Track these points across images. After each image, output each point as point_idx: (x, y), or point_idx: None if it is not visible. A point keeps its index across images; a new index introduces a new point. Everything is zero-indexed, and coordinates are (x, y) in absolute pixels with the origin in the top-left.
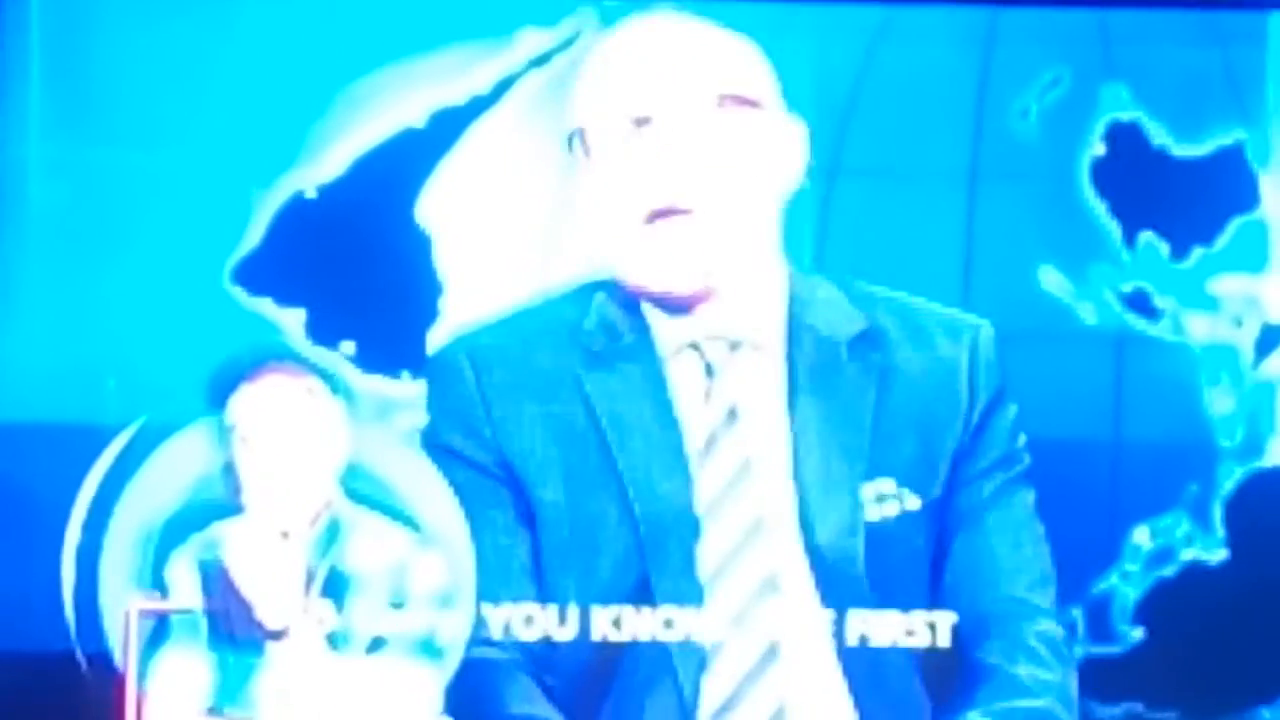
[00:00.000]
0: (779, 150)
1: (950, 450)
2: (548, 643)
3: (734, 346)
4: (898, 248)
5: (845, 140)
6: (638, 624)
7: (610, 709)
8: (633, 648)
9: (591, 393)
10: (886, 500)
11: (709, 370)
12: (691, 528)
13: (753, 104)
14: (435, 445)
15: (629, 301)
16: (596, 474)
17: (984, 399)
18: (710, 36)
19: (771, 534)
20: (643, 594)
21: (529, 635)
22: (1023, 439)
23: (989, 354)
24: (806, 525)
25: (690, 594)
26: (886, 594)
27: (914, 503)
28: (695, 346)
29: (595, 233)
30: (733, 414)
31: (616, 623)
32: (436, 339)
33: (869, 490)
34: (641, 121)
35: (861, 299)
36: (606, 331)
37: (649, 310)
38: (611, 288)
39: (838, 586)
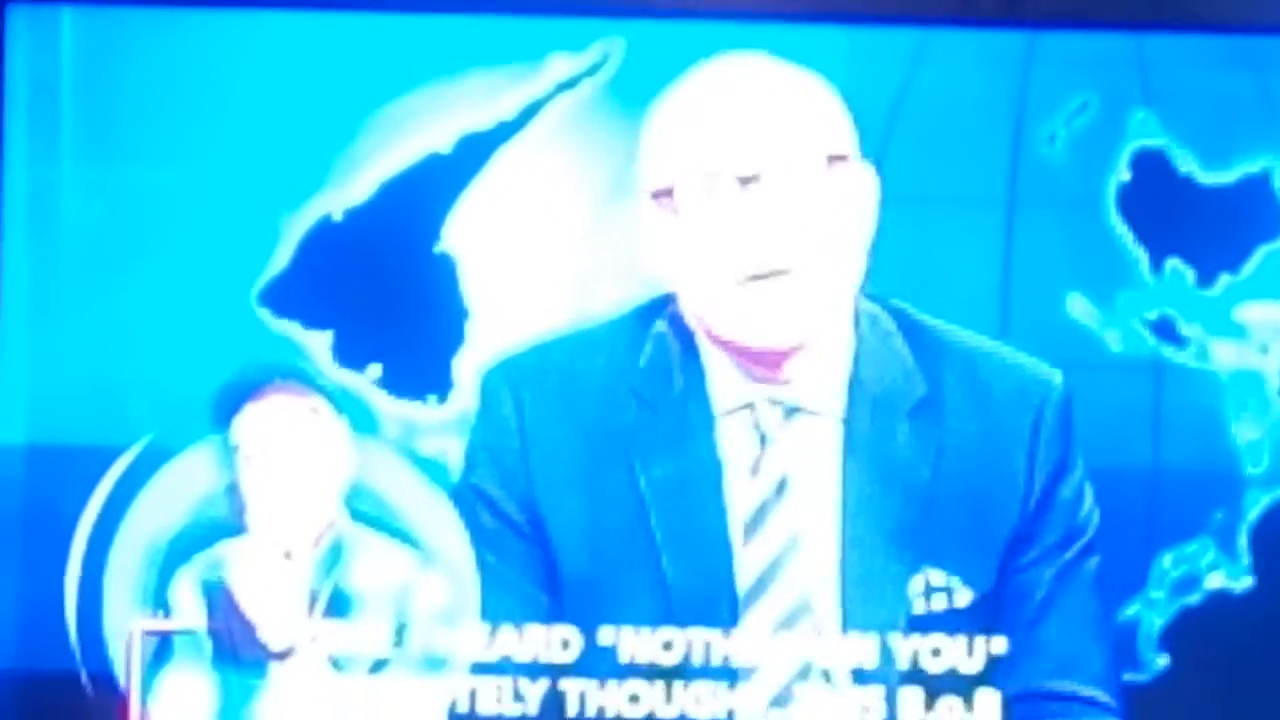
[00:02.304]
0: (866, 203)
1: (1006, 534)
2: None
3: (790, 413)
4: (935, 276)
5: (882, 166)
6: (665, 704)
7: None
8: None
9: (635, 454)
10: (935, 594)
11: (761, 439)
12: (729, 604)
13: (847, 159)
14: (470, 485)
15: (687, 338)
16: (631, 541)
17: (1044, 475)
18: (803, 87)
19: (814, 617)
20: (669, 670)
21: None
22: (1088, 503)
23: (1053, 422)
24: (848, 622)
25: (723, 673)
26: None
27: (964, 598)
28: (749, 406)
29: (685, 289)
30: (782, 487)
31: (635, 699)
32: (471, 362)
33: (917, 582)
34: (748, 180)
35: (927, 352)
36: (660, 375)
37: (707, 355)
38: (672, 316)
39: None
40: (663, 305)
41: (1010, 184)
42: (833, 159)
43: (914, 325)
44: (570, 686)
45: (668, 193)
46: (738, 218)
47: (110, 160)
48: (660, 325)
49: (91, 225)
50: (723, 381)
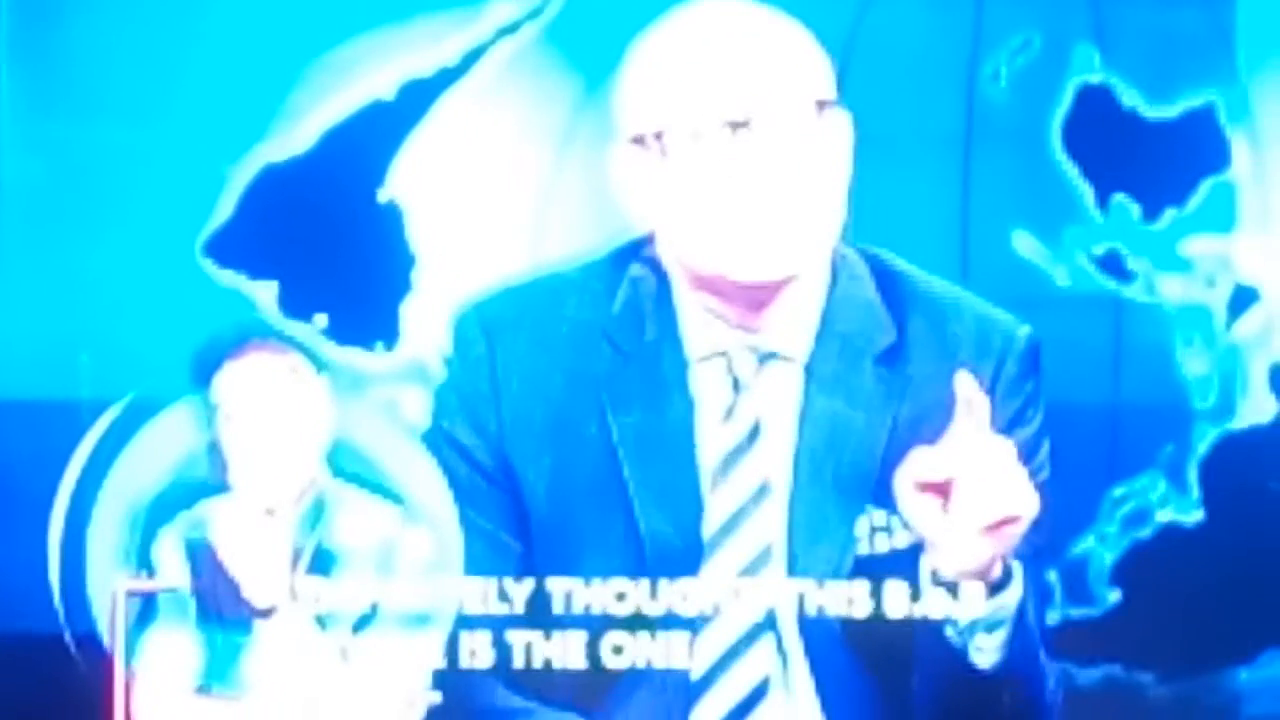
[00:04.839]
0: (848, 148)
1: None
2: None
3: (764, 359)
4: (895, 217)
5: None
6: (632, 648)
7: None
8: (620, 677)
9: (608, 401)
10: (878, 534)
11: (735, 385)
12: (699, 552)
13: (832, 104)
14: (440, 431)
15: (661, 283)
16: (603, 489)
17: (997, 424)
18: (789, 31)
19: (777, 564)
20: (640, 619)
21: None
22: (1040, 458)
23: (1014, 372)
24: (794, 565)
25: (701, 622)
26: (869, 648)
27: (903, 539)
28: (724, 354)
29: (679, 234)
30: (755, 433)
31: (618, 649)
32: (419, 309)
33: (864, 523)
34: (738, 126)
35: (898, 299)
36: (633, 321)
37: (681, 301)
38: (648, 260)
39: (816, 632)
40: (637, 248)
41: (966, 123)
42: (821, 104)
43: (886, 272)
44: (553, 638)
45: (656, 137)
46: (728, 164)
47: (49, 115)
48: (635, 270)
49: (31, 181)
50: (697, 327)
